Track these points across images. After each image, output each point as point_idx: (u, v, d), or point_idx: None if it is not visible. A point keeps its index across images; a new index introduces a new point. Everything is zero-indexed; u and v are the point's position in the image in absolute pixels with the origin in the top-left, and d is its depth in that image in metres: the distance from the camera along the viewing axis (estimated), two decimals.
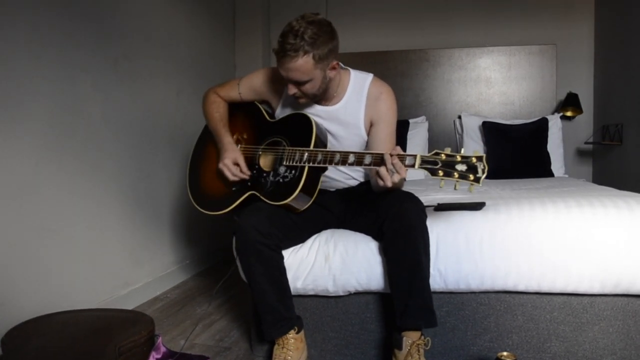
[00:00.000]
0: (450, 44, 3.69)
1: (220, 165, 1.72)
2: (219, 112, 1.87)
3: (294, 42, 1.52)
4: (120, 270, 2.39)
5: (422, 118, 3.55)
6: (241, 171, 1.72)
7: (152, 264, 2.65)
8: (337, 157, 1.56)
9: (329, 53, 1.58)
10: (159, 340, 1.71)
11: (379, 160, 1.48)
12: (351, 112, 1.76)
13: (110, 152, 2.31)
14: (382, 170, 1.45)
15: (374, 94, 1.76)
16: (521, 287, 1.64)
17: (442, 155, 1.40)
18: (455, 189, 1.40)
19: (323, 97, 1.73)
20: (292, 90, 1.63)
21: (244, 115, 1.90)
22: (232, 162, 1.71)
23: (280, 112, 1.83)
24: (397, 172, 1.44)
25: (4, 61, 1.76)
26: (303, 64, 1.54)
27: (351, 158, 1.53)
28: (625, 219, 1.62)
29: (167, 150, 2.81)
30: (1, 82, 1.75)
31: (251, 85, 1.88)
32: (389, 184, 1.45)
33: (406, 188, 1.74)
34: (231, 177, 1.72)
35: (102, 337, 1.58)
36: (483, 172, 1.37)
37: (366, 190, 1.84)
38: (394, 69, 3.68)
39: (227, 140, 1.77)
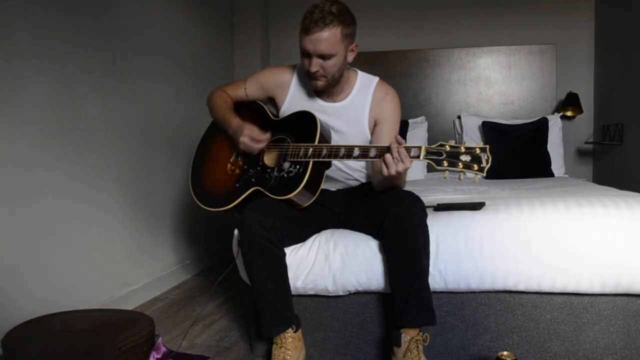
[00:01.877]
0: (450, 43, 3.69)
1: (242, 139, 1.72)
2: (226, 103, 1.89)
3: (323, 16, 1.59)
4: (120, 271, 2.38)
5: (422, 118, 3.55)
6: (260, 139, 1.72)
7: (152, 264, 2.65)
8: (342, 151, 1.58)
9: (352, 33, 1.68)
10: (159, 340, 1.71)
11: (384, 152, 1.50)
12: (356, 110, 1.80)
13: (109, 152, 2.31)
14: (388, 157, 1.47)
15: (380, 95, 1.80)
16: (521, 287, 1.64)
17: (447, 146, 1.44)
18: (459, 179, 1.42)
19: (336, 86, 1.76)
20: (315, 66, 1.65)
21: (248, 115, 1.91)
22: (250, 131, 1.72)
23: (287, 108, 1.85)
24: (402, 160, 1.45)
25: (3, 61, 1.76)
26: (332, 36, 1.61)
27: (356, 152, 1.56)
28: (625, 218, 1.62)
29: (166, 150, 2.80)
30: (0, 82, 1.75)
31: (258, 82, 1.90)
32: (393, 172, 1.47)
33: (406, 188, 1.74)
34: (255, 146, 1.72)
35: (102, 338, 1.57)
36: (487, 162, 1.40)
37: (367, 190, 1.84)
38: (393, 69, 3.68)
39: (237, 121, 1.79)
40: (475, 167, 1.40)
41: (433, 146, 1.45)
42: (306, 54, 1.66)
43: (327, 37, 1.60)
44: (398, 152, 1.46)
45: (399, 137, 1.50)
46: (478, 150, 1.41)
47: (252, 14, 3.74)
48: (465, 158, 1.41)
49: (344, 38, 1.64)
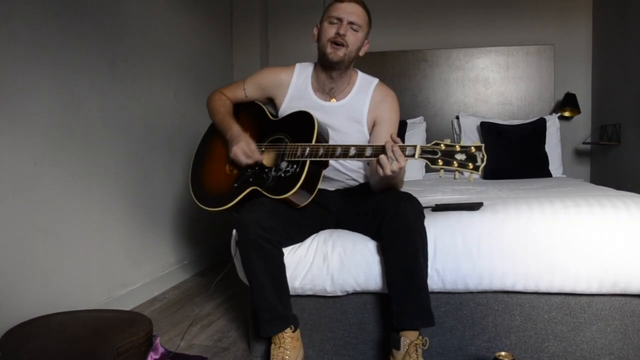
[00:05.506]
0: (448, 44, 3.69)
1: (235, 149, 1.72)
2: (225, 107, 1.90)
3: None
4: (119, 271, 2.38)
5: (420, 118, 3.55)
6: (253, 157, 1.72)
7: (150, 264, 2.64)
8: (339, 150, 1.59)
9: (369, 30, 1.83)
10: (157, 340, 1.71)
11: (380, 151, 1.50)
12: (356, 109, 1.82)
13: (107, 153, 2.31)
14: (383, 157, 1.48)
15: (379, 96, 1.84)
16: (519, 287, 1.64)
17: (442, 145, 1.43)
18: (455, 178, 1.42)
19: (342, 77, 1.81)
20: (345, 29, 1.73)
21: (247, 115, 1.92)
22: (246, 145, 1.72)
23: (286, 107, 1.86)
24: (397, 159, 1.46)
25: (2, 62, 1.76)
26: (362, 12, 1.77)
27: (352, 151, 1.57)
28: (623, 219, 1.62)
29: (165, 151, 2.80)
30: None
31: (257, 82, 1.91)
32: (388, 172, 1.47)
33: (404, 188, 1.74)
34: (245, 160, 1.72)
35: (100, 338, 1.57)
36: (482, 161, 1.39)
37: (365, 190, 1.85)
38: (391, 69, 3.68)
39: (237, 129, 1.79)
40: (470, 165, 1.40)
41: (428, 145, 1.45)
42: (335, 21, 1.73)
43: (360, 12, 1.75)
44: (392, 150, 1.46)
45: (394, 136, 1.50)
46: (473, 149, 1.40)
47: (251, 14, 3.74)
48: (461, 157, 1.41)
49: (367, 23, 1.79)
